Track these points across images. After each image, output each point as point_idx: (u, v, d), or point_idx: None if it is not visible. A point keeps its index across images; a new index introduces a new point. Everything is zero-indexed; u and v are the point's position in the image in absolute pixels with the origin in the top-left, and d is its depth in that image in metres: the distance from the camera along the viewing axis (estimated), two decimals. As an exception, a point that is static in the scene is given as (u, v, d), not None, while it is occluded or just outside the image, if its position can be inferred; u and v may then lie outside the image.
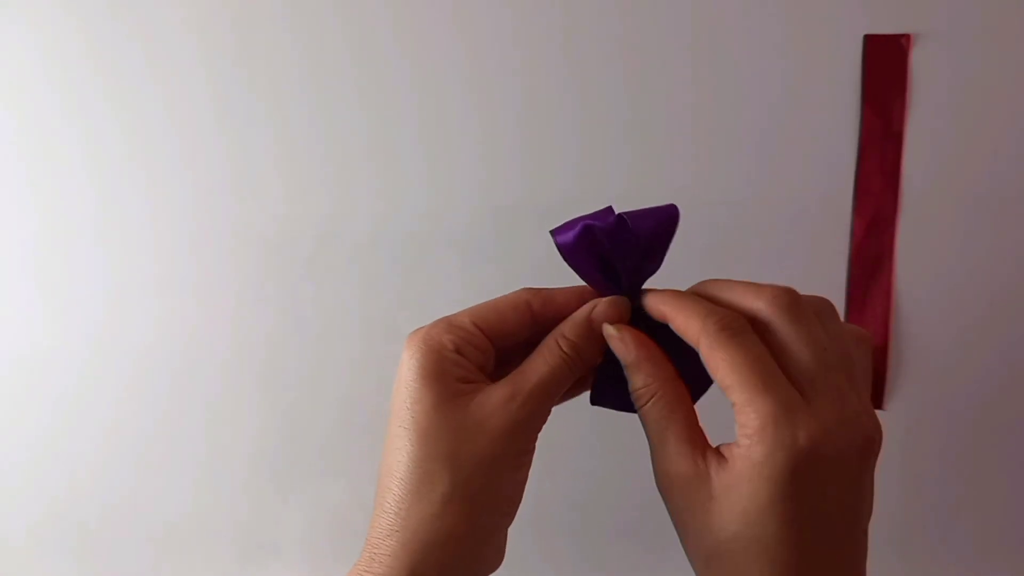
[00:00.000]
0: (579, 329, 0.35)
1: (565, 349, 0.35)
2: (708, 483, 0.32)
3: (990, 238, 0.52)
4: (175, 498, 0.69)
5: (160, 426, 0.68)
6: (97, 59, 0.64)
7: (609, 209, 0.42)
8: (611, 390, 0.38)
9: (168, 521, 0.70)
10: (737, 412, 0.31)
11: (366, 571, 0.33)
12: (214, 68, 0.63)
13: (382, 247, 0.65)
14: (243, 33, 0.63)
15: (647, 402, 0.34)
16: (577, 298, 0.37)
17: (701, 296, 0.35)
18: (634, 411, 0.36)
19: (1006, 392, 0.63)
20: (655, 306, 0.35)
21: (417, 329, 0.36)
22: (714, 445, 0.33)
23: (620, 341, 0.35)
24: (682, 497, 0.33)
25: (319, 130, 0.64)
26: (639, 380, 0.35)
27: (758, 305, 0.33)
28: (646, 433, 0.35)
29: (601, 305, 0.36)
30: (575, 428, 0.66)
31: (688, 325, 0.33)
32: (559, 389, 0.35)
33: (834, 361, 0.32)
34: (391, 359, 0.66)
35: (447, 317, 0.36)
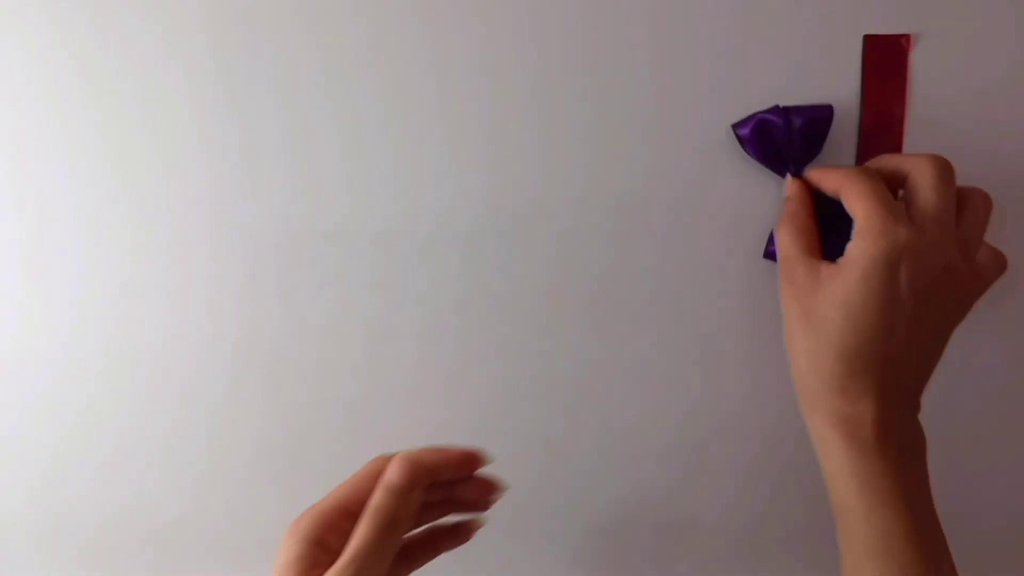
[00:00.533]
0: (377, 497, 0.38)
1: (368, 516, 0.38)
2: (820, 271, 0.46)
3: (988, 239, 0.52)
4: (178, 501, 0.70)
5: (163, 428, 0.69)
6: (79, 61, 0.64)
7: (777, 107, 0.59)
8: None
9: (171, 523, 0.70)
10: (855, 224, 0.44)
11: None
12: (223, 64, 0.63)
13: (392, 248, 0.65)
14: (221, 35, 0.63)
15: (783, 219, 0.53)
16: (432, 456, 0.41)
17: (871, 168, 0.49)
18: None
19: (1006, 391, 0.63)
20: (812, 177, 0.52)
21: (295, 520, 0.40)
22: None
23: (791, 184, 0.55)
24: (799, 287, 0.47)
25: (329, 131, 0.64)
26: (787, 209, 0.53)
27: (916, 161, 0.46)
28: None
29: (389, 468, 0.40)
30: (574, 429, 0.66)
31: (834, 178, 0.47)
32: (378, 555, 0.37)
33: (947, 216, 0.44)
34: (396, 360, 0.67)
35: (317, 504, 0.40)
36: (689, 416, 0.66)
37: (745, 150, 0.60)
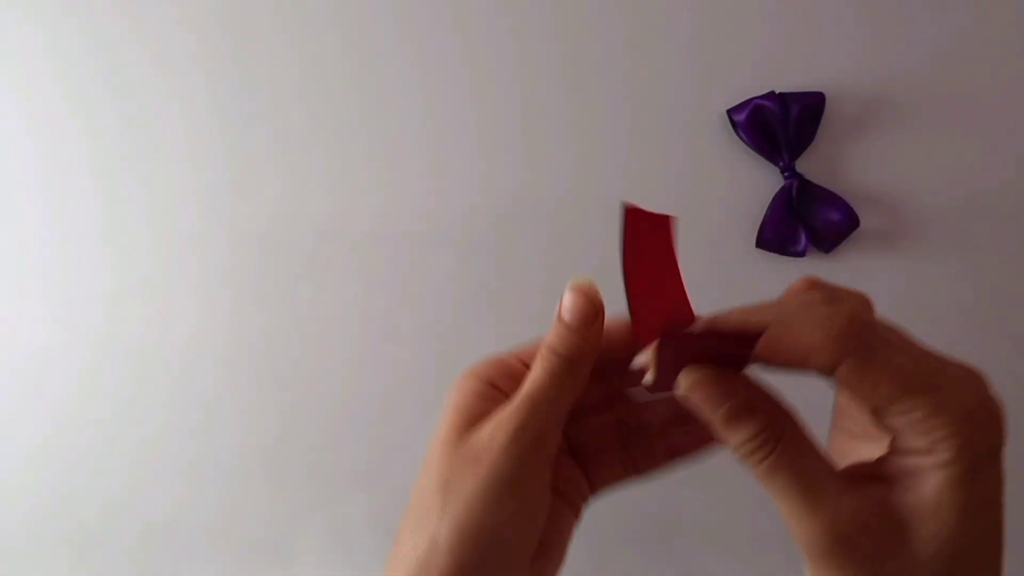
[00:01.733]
0: (553, 330, 0.31)
1: (545, 353, 0.31)
2: (890, 511, 0.26)
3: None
4: (172, 497, 0.67)
5: (157, 425, 0.66)
6: (99, 60, 0.64)
7: (772, 92, 0.57)
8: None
9: (165, 520, 0.67)
10: (917, 422, 0.26)
11: None
12: (213, 69, 0.64)
13: (380, 246, 0.65)
14: (242, 34, 0.64)
15: (769, 454, 0.27)
16: (625, 329, 0.32)
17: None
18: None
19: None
20: (736, 323, 0.28)
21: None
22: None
23: (712, 387, 0.28)
24: (874, 540, 0.26)
25: (317, 130, 0.64)
26: (749, 431, 0.27)
27: (833, 352, 0.26)
28: (774, 494, 0.27)
29: (564, 297, 0.32)
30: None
31: (810, 343, 0.26)
32: (552, 400, 0.31)
33: (934, 355, 0.28)
34: (388, 358, 0.66)
35: (499, 354, 0.33)
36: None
37: (739, 136, 0.60)
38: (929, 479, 0.26)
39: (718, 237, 0.63)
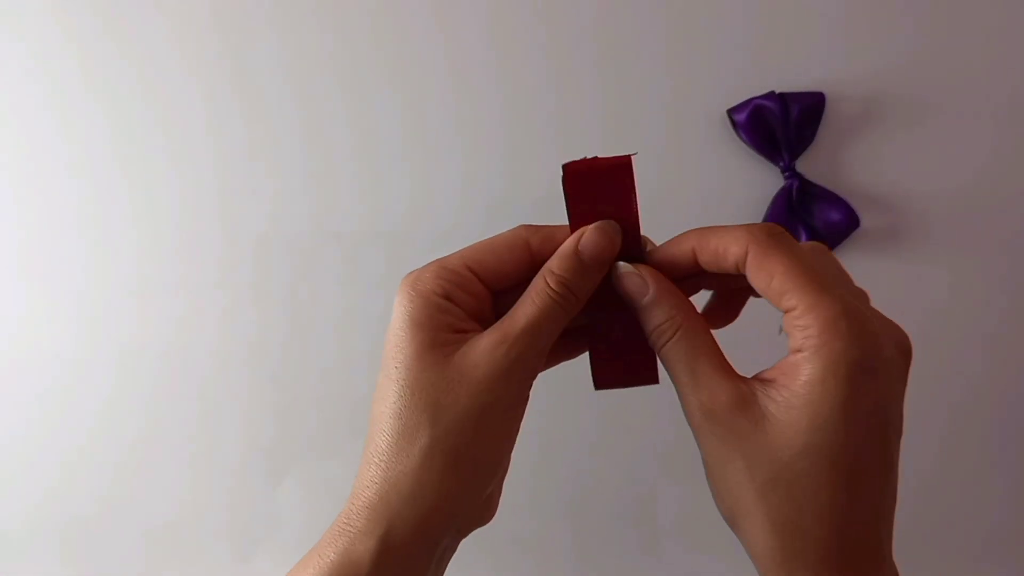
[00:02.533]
0: (567, 263, 0.32)
1: (553, 286, 0.32)
2: (755, 405, 0.30)
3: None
4: (167, 493, 0.67)
5: (151, 422, 0.66)
6: (85, 62, 0.64)
7: (772, 92, 0.57)
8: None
9: (160, 516, 0.67)
10: (796, 318, 0.29)
11: (346, 525, 0.31)
12: (202, 69, 0.64)
13: (369, 245, 0.65)
14: (231, 36, 0.64)
15: (672, 336, 0.32)
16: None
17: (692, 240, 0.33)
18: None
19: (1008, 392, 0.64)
20: (678, 246, 0.33)
21: (409, 273, 0.33)
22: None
23: (637, 277, 0.32)
24: (728, 426, 0.30)
25: (306, 130, 0.64)
26: (661, 315, 0.32)
27: (744, 244, 0.31)
28: (672, 372, 0.32)
29: (588, 233, 0.33)
30: (574, 427, 0.65)
31: (729, 241, 0.31)
32: (550, 332, 0.32)
33: (844, 277, 0.32)
34: (380, 356, 0.66)
35: (439, 260, 0.33)
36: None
37: (739, 136, 0.60)
38: (795, 377, 0.29)
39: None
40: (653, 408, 0.65)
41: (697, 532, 0.66)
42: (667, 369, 0.32)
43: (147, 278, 0.65)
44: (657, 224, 0.64)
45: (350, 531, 0.31)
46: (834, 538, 0.29)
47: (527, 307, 0.32)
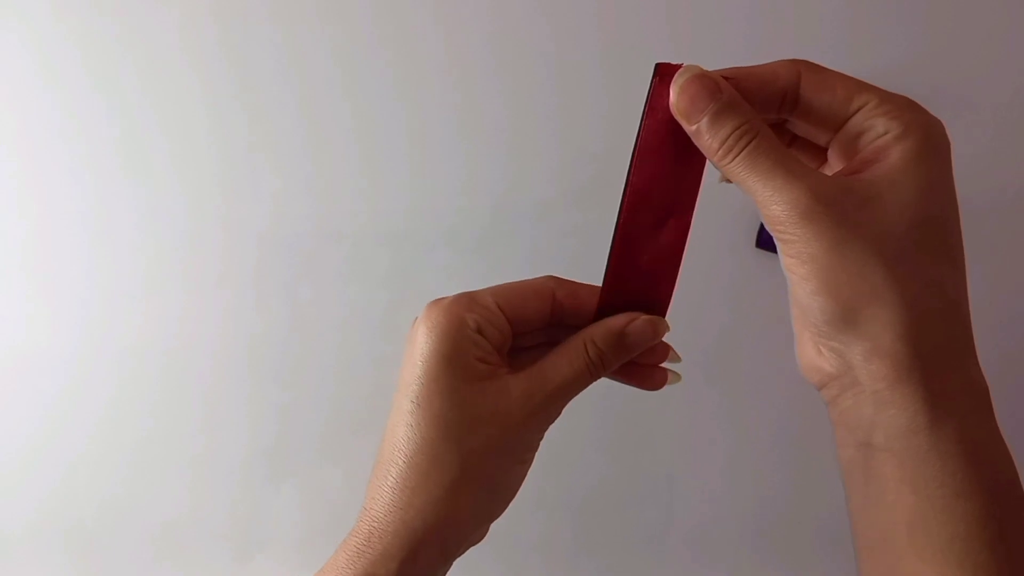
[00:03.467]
0: (610, 339, 0.34)
1: (592, 356, 0.34)
2: (860, 186, 0.29)
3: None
4: (170, 495, 0.67)
5: (154, 423, 0.67)
6: (89, 59, 0.64)
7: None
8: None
9: (163, 517, 0.68)
10: (874, 108, 0.30)
11: (364, 546, 0.32)
12: (206, 68, 0.64)
13: (374, 244, 0.65)
14: (235, 35, 0.64)
15: (753, 139, 0.30)
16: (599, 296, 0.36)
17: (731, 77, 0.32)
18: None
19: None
20: (717, 71, 0.31)
21: (437, 300, 0.34)
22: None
23: (710, 82, 0.30)
24: (842, 207, 0.28)
25: (311, 129, 0.64)
26: (736, 121, 0.30)
27: (793, 67, 0.31)
28: (758, 178, 0.30)
29: (640, 322, 0.34)
30: (577, 428, 0.65)
31: (776, 65, 0.30)
32: (577, 392, 0.34)
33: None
34: (384, 356, 0.66)
35: (469, 293, 0.35)
36: (685, 410, 0.65)
37: None
38: (890, 156, 0.29)
39: (718, 237, 0.63)
40: (659, 408, 0.65)
41: (705, 534, 0.66)
42: (748, 178, 0.30)
43: (150, 279, 0.65)
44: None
45: (370, 553, 0.32)
46: (954, 318, 0.29)
47: (563, 367, 0.34)
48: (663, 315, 0.35)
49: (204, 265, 0.65)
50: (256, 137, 0.64)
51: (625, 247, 0.34)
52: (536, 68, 0.63)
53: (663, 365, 0.37)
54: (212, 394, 0.66)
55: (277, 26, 0.63)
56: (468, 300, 0.34)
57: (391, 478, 0.33)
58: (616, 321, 0.34)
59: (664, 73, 0.32)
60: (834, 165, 0.32)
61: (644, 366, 0.36)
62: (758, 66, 0.31)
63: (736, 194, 0.62)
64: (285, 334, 0.66)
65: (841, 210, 0.28)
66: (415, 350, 0.33)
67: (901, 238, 0.28)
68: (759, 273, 0.63)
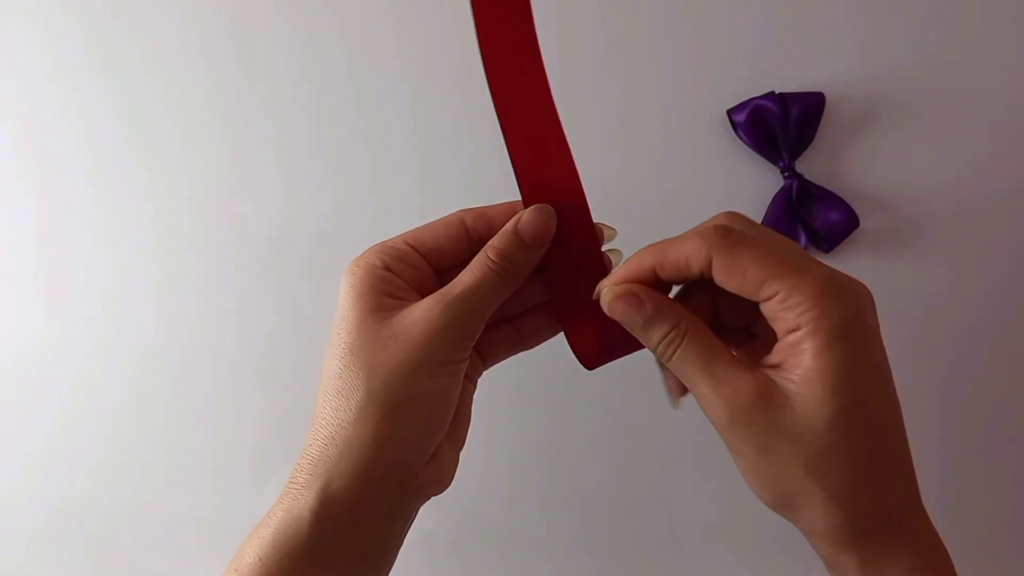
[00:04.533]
0: (506, 239, 0.34)
1: (493, 257, 0.34)
2: (778, 390, 0.30)
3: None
4: (178, 498, 0.67)
5: (162, 426, 0.67)
6: (97, 58, 0.65)
7: (772, 92, 0.57)
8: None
9: (171, 520, 0.67)
10: (782, 301, 0.30)
11: (291, 483, 0.33)
12: (214, 67, 0.64)
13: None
14: (243, 33, 0.64)
15: (681, 343, 0.32)
16: (509, 212, 0.36)
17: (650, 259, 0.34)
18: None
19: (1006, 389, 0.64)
20: (638, 267, 0.33)
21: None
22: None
23: (633, 296, 0.33)
24: (761, 415, 0.30)
25: (318, 130, 0.64)
26: (665, 326, 0.32)
27: (704, 251, 0.32)
28: (688, 379, 0.32)
29: (526, 214, 0.35)
30: (572, 430, 0.65)
31: (689, 252, 0.32)
32: (488, 299, 0.34)
33: (792, 243, 0.33)
34: None
35: (382, 241, 0.36)
36: (685, 410, 0.65)
37: (739, 136, 0.60)
38: (801, 354, 0.30)
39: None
40: (659, 407, 0.65)
41: (705, 531, 0.66)
42: (683, 377, 0.33)
43: (158, 280, 0.65)
44: (657, 224, 0.64)
45: (294, 488, 0.33)
46: (884, 493, 0.30)
47: (465, 275, 0.34)
48: (588, 213, 0.35)
49: (214, 266, 0.65)
50: (266, 138, 0.64)
51: (519, 155, 0.35)
52: (549, 67, 0.62)
53: (605, 249, 0.37)
54: (217, 396, 0.66)
55: (287, 26, 0.63)
56: (379, 246, 0.36)
57: (315, 415, 0.34)
58: (508, 224, 0.35)
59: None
60: (769, 342, 0.33)
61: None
62: (672, 250, 0.32)
63: (735, 194, 0.62)
64: (293, 334, 0.65)
65: (761, 419, 0.30)
66: (339, 301, 0.35)
67: (821, 435, 0.29)
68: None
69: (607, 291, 0.34)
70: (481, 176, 0.64)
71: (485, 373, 0.39)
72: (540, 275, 0.36)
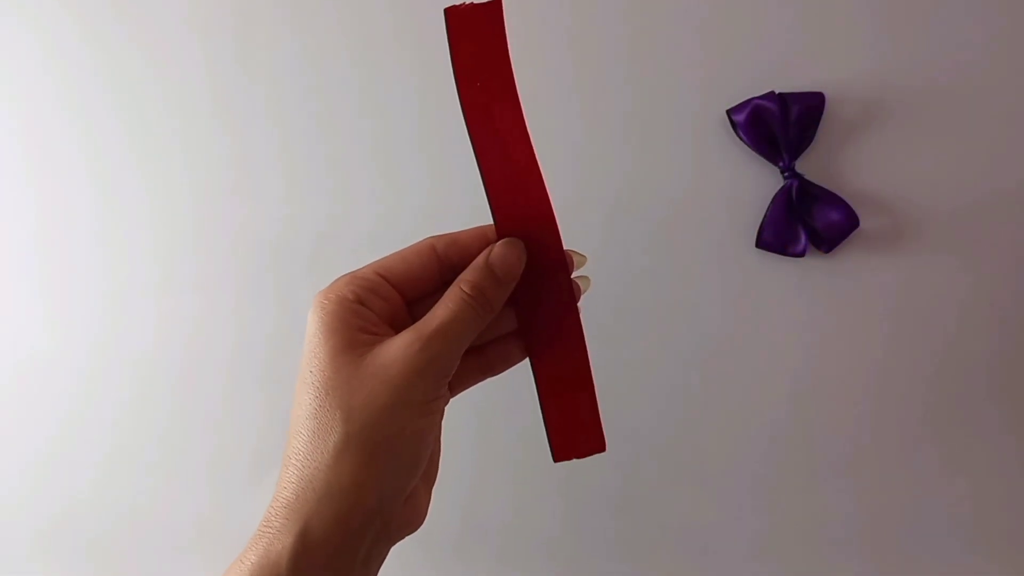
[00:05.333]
0: (479, 272, 0.34)
1: (467, 290, 0.34)
2: None
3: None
4: (178, 500, 0.67)
5: (162, 427, 0.67)
6: (98, 59, 0.65)
7: (772, 92, 0.57)
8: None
9: (171, 522, 0.67)
10: None
11: (265, 526, 0.31)
12: (215, 69, 0.64)
13: (382, 247, 0.64)
14: (244, 34, 0.64)
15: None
16: (480, 238, 0.36)
17: None
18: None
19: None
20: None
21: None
22: None
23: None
24: None
25: (319, 131, 0.64)
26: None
27: None
28: None
29: (497, 248, 0.35)
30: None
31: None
32: (463, 334, 0.34)
33: None
34: None
35: (352, 271, 0.35)
36: (685, 409, 0.65)
37: (739, 136, 0.60)
38: None
39: (718, 237, 0.63)
40: (658, 407, 0.65)
41: (706, 535, 0.66)
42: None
43: (158, 281, 0.65)
44: (657, 223, 0.65)
45: (269, 532, 0.31)
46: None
47: (441, 310, 0.33)
48: (559, 242, 0.35)
49: (214, 267, 0.65)
50: (266, 139, 0.64)
51: (492, 184, 0.35)
52: (536, 70, 0.63)
53: (574, 276, 0.37)
54: (218, 398, 0.66)
55: (288, 27, 0.63)
56: (349, 277, 0.35)
57: (286, 456, 0.32)
58: (479, 257, 0.35)
59: (454, 16, 0.35)
60: None
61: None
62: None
63: (735, 194, 0.62)
64: (294, 335, 0.65)
65: None
66: (306, 334, 0.34)
67: None
68: (759, 273, 0.63)
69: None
70: (478, 178, 0.64)
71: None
72: (509, 303, 0.36)
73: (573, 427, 0.38)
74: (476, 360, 0.38)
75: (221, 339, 0.65)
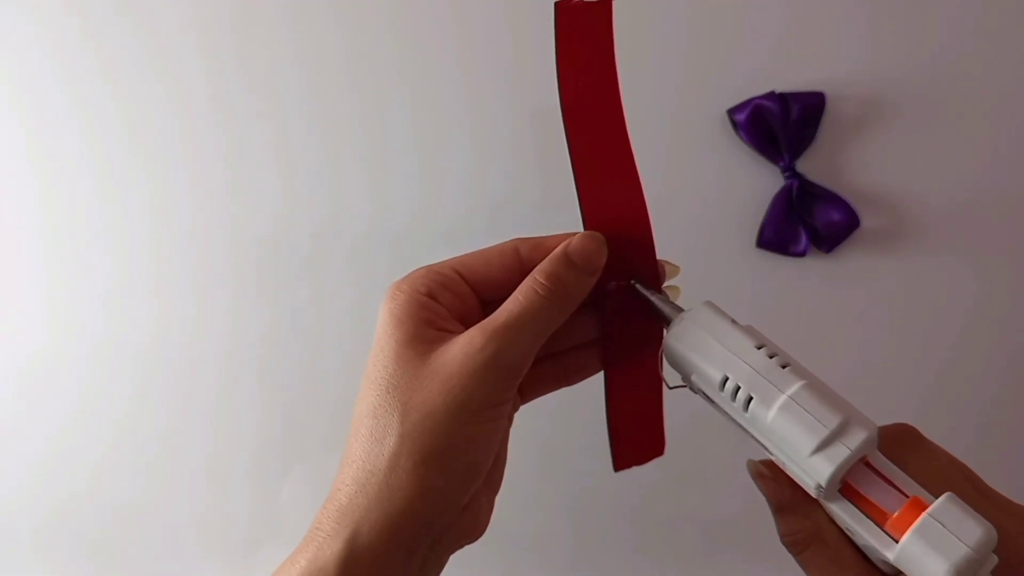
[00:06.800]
0: (555, 262, 0.31)
1: (542, 280, 0.31)
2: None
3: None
4: (177, 497, 0.67)
5: (160, 425, 0.66)
6: (99, 59, 0.64)
7: (772, 92, 0.57)
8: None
9: (171, 519, 0.67)
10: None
11: (316, 530, 0.30)
12: (214, 69, 0.64)
13: (377, 245, 0.64)
14: (242, 35, 0.64)
15: (805, 549, 0.31)
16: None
17: None
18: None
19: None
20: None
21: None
22: None
23: (772, 482, 0.34)
24: None
25: (315, 131, 0.64)
26: (795, 524, 0.32)
27: None
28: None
29: (576, 238, 0.32)
30: (571, 430, 0.65)
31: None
32: (535, 331, 0.31)
33: None
34: None
35: (429, 264, 0.33)
36: (684, 409, 0.65)
37: (739, 136, 0.60)
38: None
39: (718, 237, 0.63)
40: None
41: (704, 535, 0.66)
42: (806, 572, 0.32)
43: (156, 280, 0.65)
44: (657, 224, 0.64)
45: (320, 535, 0.30)
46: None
47: (511, 303, 0.31)
48: (652, 249, 0.34)
49: (212, 265, 0.65)
50: (263, 138, 0.64)
51: (584, 178, 0.33)
52: (536, 69, 0.63)
53: (665, 286, 0.35)
54: (215, 396, 0.66)
55: (286, 26, 0.63)
56: (424, 270, 0.32)
57: (345, 455, 0.30)
58: (557, 248, 0.32)
59: (564, 12, 0.32)
60: None
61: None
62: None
63: (736, 194, 0.62)
64: (291, 334, 0.65)
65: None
66: (377, 326, 0.32)
67: None
68: (759, 273, 0.63)
69: (755, 466, 0.35)
70: (480, 177, 0.64)
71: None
72: (595, 311, 0.34)
73: (638, 436, 0.36)
74: (552, 367, 0.35)
75: (218, 337, 0.65)
